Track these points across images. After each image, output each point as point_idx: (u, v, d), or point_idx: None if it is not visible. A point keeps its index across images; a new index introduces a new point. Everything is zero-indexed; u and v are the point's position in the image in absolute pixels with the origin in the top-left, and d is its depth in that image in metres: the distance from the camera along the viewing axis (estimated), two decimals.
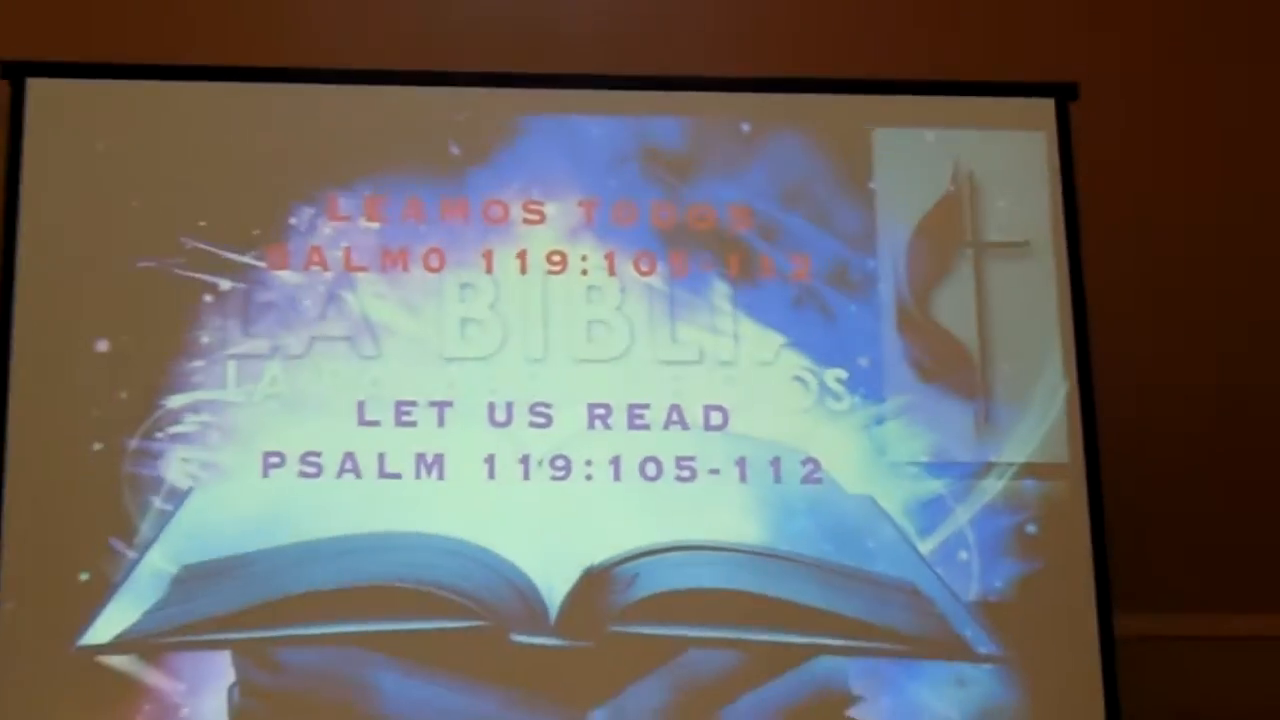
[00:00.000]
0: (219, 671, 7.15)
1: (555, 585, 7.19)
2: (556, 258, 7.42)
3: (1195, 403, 8.30)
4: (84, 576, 7.07)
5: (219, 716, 7.06)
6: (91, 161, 7.45)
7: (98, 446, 7.17)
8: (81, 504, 7.24)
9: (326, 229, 7.39)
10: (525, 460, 7.28)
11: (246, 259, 7.33)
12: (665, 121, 7.59)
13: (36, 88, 7.52)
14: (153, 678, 7.14)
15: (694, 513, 7.32)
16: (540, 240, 7.41)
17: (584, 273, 7.43)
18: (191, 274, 7.34)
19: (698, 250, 7.44)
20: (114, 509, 7.24)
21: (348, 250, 7.38)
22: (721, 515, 7.31)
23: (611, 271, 7.43)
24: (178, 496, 7.26)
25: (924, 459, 7.39)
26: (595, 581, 7.17)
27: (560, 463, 7.27)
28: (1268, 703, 8.08)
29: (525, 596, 7.16)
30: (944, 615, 7.33)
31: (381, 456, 7.26)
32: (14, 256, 7.36)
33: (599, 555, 7.22)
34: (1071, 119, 7.62)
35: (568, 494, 7.28)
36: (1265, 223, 8.61)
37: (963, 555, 7.33)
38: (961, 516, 7.36)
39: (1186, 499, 8.25)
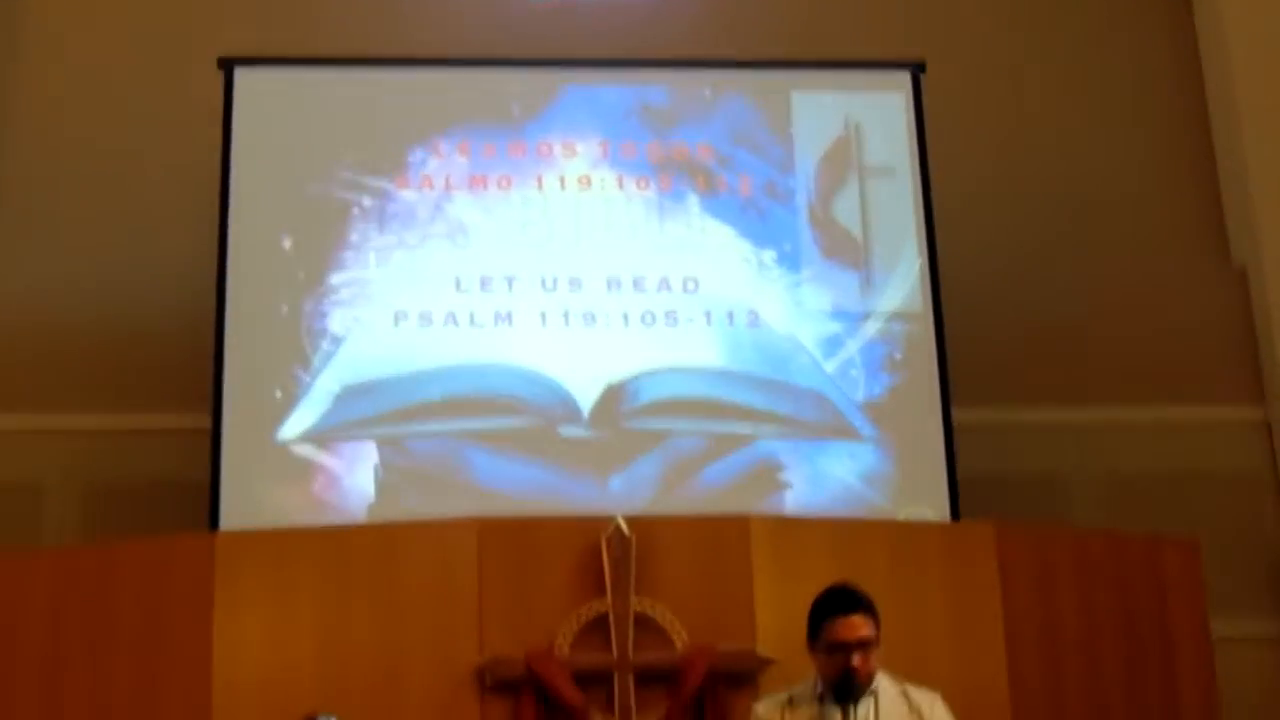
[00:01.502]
0: (367, 455, 7.58)
1: (587, 395, 7.69)
2: (585, 180, 7.93)
3: (1004, 272, 8.72)
4: (278, 394, 7.62)
5: (368, 484, 7.52)
6: (279, 122, 7.95)
7: (285, 309, 7.70)
8: (275, 347, 7.70)
9: (433, 163, 7.90)
10: (566, 314, 7.77)
11: (381, 183, 7.85)
12: (656, 88, 8.14)
13: (242, 74, 7.95)
14: (324, 459, 7.59)
15: (677, 347, 7.80)
16: (574, 168, 7.96)
17: (603, 189, 7.91)
18: (345, 194, 7.83)
19: (678, 174, 8.01)
20: (296, 349, 7.67)
21: (447, 177, 7.89)
22: (695, 348, 7.82)
23: (620, 188, 7.92)
24: (338, 340, 7.71)
25: (827, 309, 7.90)
26: (613, 393, 7.70)
27: (589, 315, 7.76)
28: (1053, 464, 8.47)
29: (567, 403, 7.67)
30: (841, 411, 7.82)
31: (471, 313, 7.73)
32: (229, 184, 7.77)
33: (615, 375, 7.72)
34: (922, 85, 8.15)
35: (594, 335, 7.77)
36: (1050, 151, 9.02)
37: (853, 372, 7.86)
38: (852, 347, 7.86)
39: (999, 334, 8.56)
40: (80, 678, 6.69)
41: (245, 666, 6.56)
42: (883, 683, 4.46)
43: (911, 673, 6.14)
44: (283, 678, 6.47)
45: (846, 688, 4.40)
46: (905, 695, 4.45)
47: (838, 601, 4.47)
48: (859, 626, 4.44)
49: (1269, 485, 8.42)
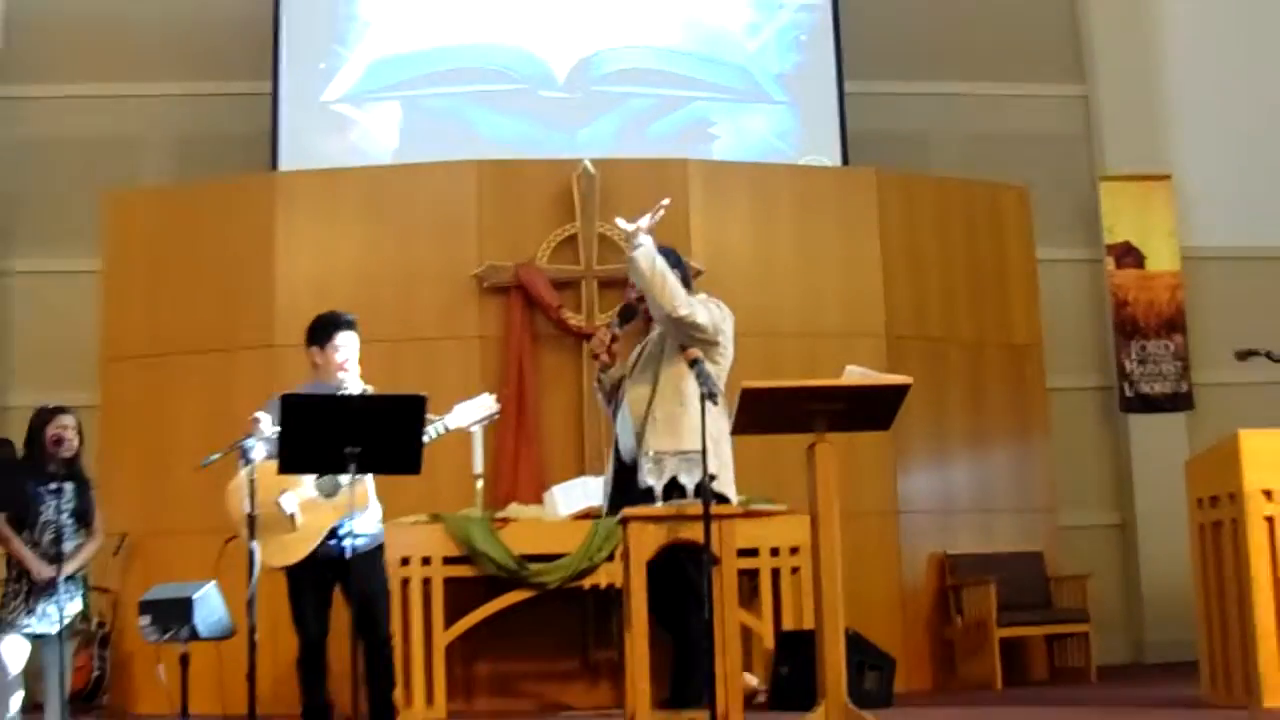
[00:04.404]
0: (392, 113, 8.13)
1: (563, 65, 8.17)
2: None
3: None
4: (321, 65, 8.13)
5: (392, 136, 8.10)
6: None
7: None
8: (318, 27, 8.11)
9: None
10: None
11: None
12: None
13: None
14: (358, 116, 8.14)
15: (640, 25, 8.21)
16: None
17: None
18: None
19: None
20: (334, 29, 8.12)
21: None
22: (654, 28, 8.23)
23: None
24: (366, 23, 8.13)
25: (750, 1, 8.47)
26: (583, 63, 8.17)
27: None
28: (921, 126, 8.75)
29: (546, 72, 8.18)
30: (759, 82, 8.38)
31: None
32: None
33: (586, 51, 8.18)
34: None
35: (568, 15, 8.21)
36: None
37: (770, 51, 8.36)
38: (769, 32, 8.36)
39: (884, 24, 8.72)
40: (175, 289, 7.24)
41: (300, 276, 7.12)
42: None
43: (809, 287, 7.19)
44: (329, 283, 6.98)
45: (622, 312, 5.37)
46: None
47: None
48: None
49: (1083, 146, 8.82)
